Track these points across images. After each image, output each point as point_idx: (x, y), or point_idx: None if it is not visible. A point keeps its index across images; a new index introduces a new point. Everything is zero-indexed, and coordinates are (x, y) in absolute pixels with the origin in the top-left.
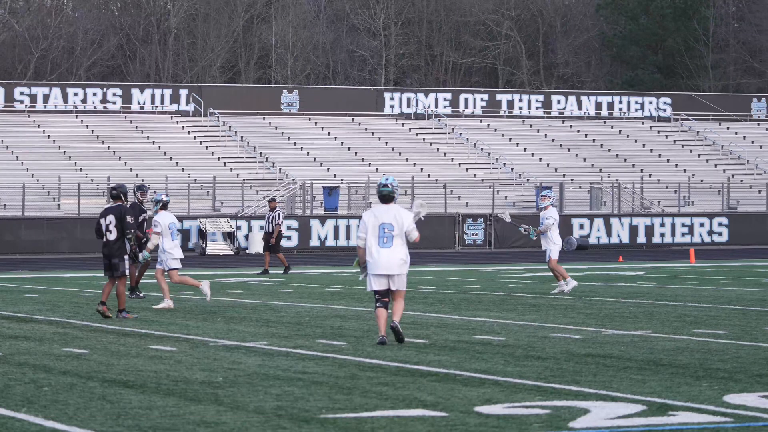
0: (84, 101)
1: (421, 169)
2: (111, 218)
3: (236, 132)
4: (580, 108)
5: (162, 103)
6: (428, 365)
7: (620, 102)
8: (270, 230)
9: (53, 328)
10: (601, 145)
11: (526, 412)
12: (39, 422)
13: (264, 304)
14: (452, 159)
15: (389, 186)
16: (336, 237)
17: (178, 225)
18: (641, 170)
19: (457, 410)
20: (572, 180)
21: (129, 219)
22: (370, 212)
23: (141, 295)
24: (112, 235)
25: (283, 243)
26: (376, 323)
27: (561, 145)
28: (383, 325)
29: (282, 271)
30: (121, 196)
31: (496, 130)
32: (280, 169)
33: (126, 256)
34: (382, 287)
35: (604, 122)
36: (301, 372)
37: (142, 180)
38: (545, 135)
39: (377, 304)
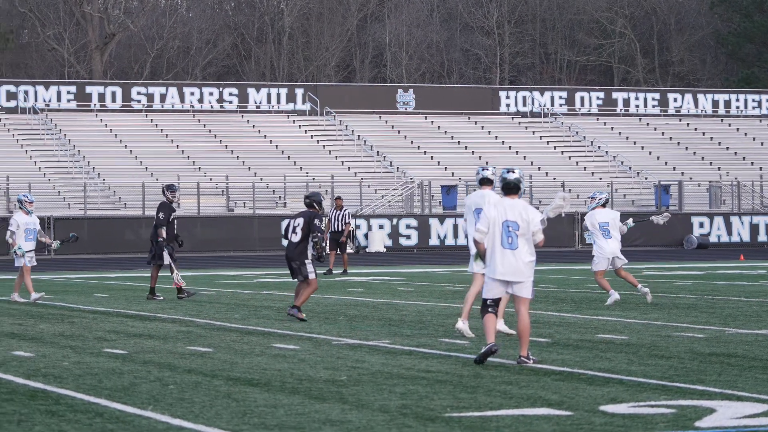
0: (201, 101)
1: (539, 168)
2: (300, 221)
3: (353, 131)
4: (696, 106)
5: (278, 102)
6: (551, 364)
7: (737, 100)
8: (338, 229)
9: (176, 326)
10: (719, 143)
11: (651, 411)
12: (166, 420)
13: (385, 303)
14: (569, 157)
15: (515, 172)
16: (455, 236)
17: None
18: (760, 168)
19: (582, 409)
20: (691, 178)
21: (317, 222)
22: (493, 205)
23: (159, 297)
24: (297, 237)
25: (402, 242)
26: (484, 331)
27: (678, 143)
28: (492, 331)
29: (341, 271)
30: (314, 204)
31: (612, 128)
32: (397, 168)
33: (307, 261)
34: (497, 295)
35: (722, 120)
36: (425, 371)
37: (260, 179)
38: (662, 133)
39: (488, 309)
